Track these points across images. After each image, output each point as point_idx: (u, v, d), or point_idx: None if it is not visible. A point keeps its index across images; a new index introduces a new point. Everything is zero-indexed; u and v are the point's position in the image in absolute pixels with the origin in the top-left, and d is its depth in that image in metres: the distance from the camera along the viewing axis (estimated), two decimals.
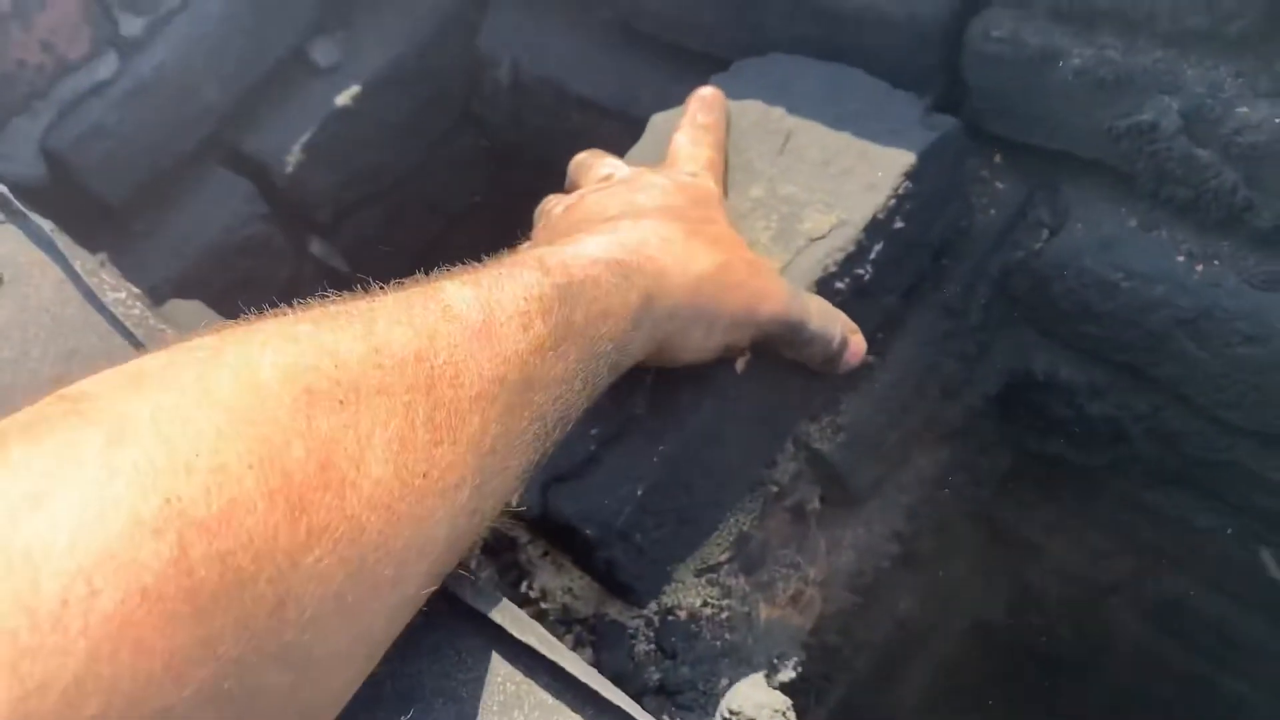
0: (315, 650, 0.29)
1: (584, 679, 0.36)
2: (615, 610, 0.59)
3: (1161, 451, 0.73)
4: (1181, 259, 0.64)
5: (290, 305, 0.36)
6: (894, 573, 0.76)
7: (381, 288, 0.38)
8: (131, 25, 0.89)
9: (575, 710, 0.36)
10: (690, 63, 0.81)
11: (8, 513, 0.24)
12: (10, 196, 0.57)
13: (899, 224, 0.60)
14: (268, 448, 0.28)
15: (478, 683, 0.37)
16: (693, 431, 0.55)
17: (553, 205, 0.60)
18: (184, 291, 0.89)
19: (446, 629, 0.38)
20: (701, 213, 0.54)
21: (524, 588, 0.60)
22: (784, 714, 0.54)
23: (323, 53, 0.98)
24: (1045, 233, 0.70)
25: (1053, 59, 0.63)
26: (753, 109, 0.67)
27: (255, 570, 0.27)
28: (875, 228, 0.59)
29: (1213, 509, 0.75)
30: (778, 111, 0.66)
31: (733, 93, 0.67)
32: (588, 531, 0.53)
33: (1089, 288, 0.67)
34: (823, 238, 0.58)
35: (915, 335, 0.69)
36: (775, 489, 0.64)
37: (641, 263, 0.46)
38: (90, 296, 0.51)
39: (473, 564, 0.58)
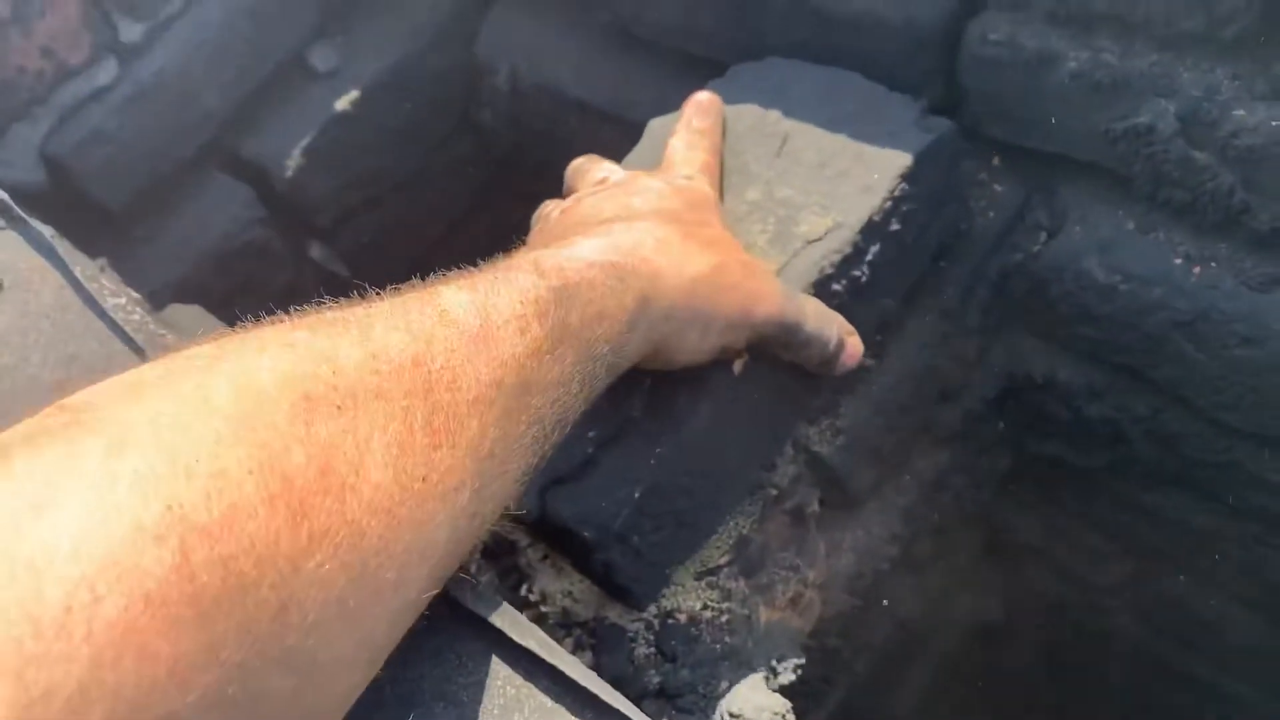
0: (318, 655, 0.29)
1: (584, 682, 0.37)
2: (615, 613, 0.59)
3: (1160, 453, 0.73)
4: (1179, 261, 0.64)
5: (288, 312, 0.36)
6: (893, 575, 0.76)
7: (378, 293, 0.38)
8: (131, 31, 0.89)
9: (575, 714, 0.37)
10: (688, 67, 0.82)
11: (11, 521, 0.24)
12: (10, 203, 0.57)
13: (895, 226, 0.60)
14: (267, 453, 0.28)
15: (478, 686, 0.37)
16: (690, 434, 0.55)
17: (549, 209, 0.60)
18: (184, 296, 0.89)
19: (447, 633, 0.38)
20: (697, 215, 0.54)
21: (524, 591, 0.60)
22: (784, 717, 0.54)
23: (322, 58, 0.98)
24: (1043, 235, 0.71)
25: (1049, 62, 0.63)
26: (749, 112, 0.67)
27: (257, 575, 0.27)
28: (871, 230, 0.59)
29: (1212, 510, 0.75)
30: (774, 115, 0.66)
31: (730, 97, 0.67)
32: (585, 534, 0.53)
33: (1087, 290, 0.67)
34: (819, 240, 0.59)
35: (914, 338, 0.69)
36: (774, 492, 0.64)
37: (637, 265, 0.46)
38: (90, 302, 0.51)
39: (473, 568, 0.58)
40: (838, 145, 0.62)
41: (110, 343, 0.50)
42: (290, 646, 0.28)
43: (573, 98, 0.93)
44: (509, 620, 0.38)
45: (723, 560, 0.61)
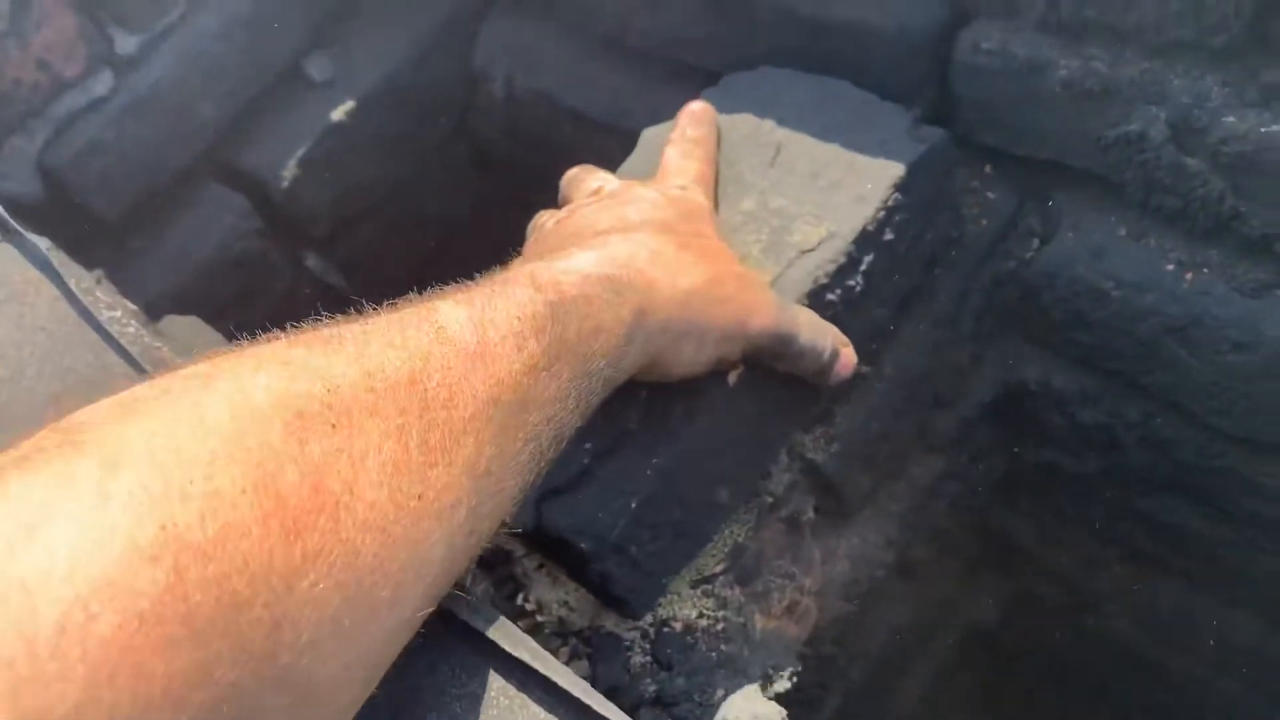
0: (313, 674, 0.29)
1: (576, 693, 0.37)
2: (611, 622, 0.59)
3: (1154, 459, 0.73)
4: (1171, 267, 0.64)
5: (284, 324, 0.36)
6: (889, 581, 0.76)
7: (375, 308, 0.38)
8: (126, 43, 0.89)
9: None
10: (682, 77, 0.82)
11: (5, 542, 0.25)
12: (6, 216, 0.57)
13: (889, 236, 0.60)
14: (261, 472, 0.28)
15: (472, 698, 0.37)
16: (686, 444, 0.56)
17: (544, 220, 0.60)
18: (181, 307, 0.89)
19: (441, 645, 0.38)
20: (691, 226, 0.54)
21: (520, 600, 0.60)
22: None
23: (318, 68, 0.99)
24: (1036, 242, 0.71)
25: (1041, 70, 0.64)
26: (743, 122, 0.67)
27: (251, 594, 0.27)
28: (865, 239, 0.59)
29: (1206, 515, 0.75)
30: (768, 124, 0.66)
31: (723, 106, 0.68)
32: (582, 545, 0.54)
33: (1080, 296, 0.68)
34: (813, 250, 0.59)
35: (908, 345, 0.69)
36: (770, 500, 0.64)
37: (633, 277, 0.46)
38: (86, 315, 0.51)
39: (468, 579, 0.59)
40: (831, 155, 0.63)
41: (105, 355, 0.50)
42: (285, 665, 0.28)
43: (568, 106, 0.93)
44: (502, 631, 0.38)
45: (718, 568, 0.61)
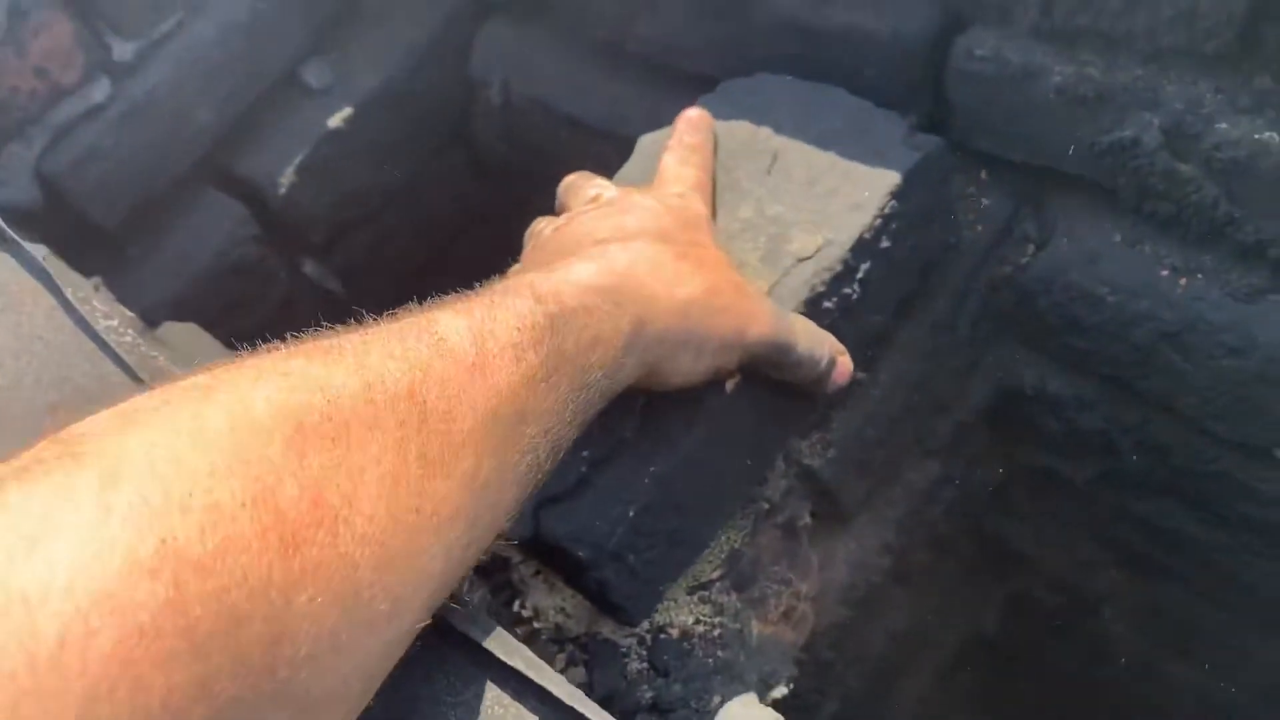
0: (311, 687, 0.29)
1: (570, 701, 0.37)
2: (608, 629, 0.59)
3: (1151, 463, 0.73)
4: (1165, 273, 0.64)
5: (282, 333, 0.36)
6: (886, 586, 0.76)
7: (375, 318, 0.38)
8: (124, 50, 0.90)
9: None
10: (678, 83, 0.82)
11: (5, 555, 0.25)
12: (3, 225, 0.57)
13: (885, 243, 0.61)
14: (260, 486, 0.28)
15: (467, 707, 0.37)
16: (684, 453, 0.56)
17: (542, 227, 0.60)
18: (179, 313, 0.90)
19: (437, 654, 0.38)
20: (689, 235, 0.54)
21: (517, 607, 0.60)
22: None
23: (315, 75, 0.99)
24: (1031, 248, 0.71)
25: (1035, 76, 0.64)
26: (740, 129, 0.67)
27: (250, 608, 0.27)
28: (862, 247, 0.60)
29: (1202, 519, 0.75)
30: (765, 131, 0.66)
31: (720, 113, 0.68)
32: (579, 553, 0.54)
33: (1075, 302, 0.68)
34: (810, 258, 0.59)
35: (904, 351, 0.69)
36: (766, 505, 0.64)
37: (631, 288, 0.46)
38: (83, 324, 0.51)
39: (464, 586, 0.59)
40: (827, 163, 0.63)
41: (102, 365, 0.50)
42: (283, 679, 0.28)
43: (565, 113, 0.93)
44: (497, 640, 0.38)
45: (715, 574, 0.62)
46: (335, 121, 0.98)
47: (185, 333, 0.84)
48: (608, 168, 0.68)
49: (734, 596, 0.63)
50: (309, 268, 1.05)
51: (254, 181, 0.98)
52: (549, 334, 0.40)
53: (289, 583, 0.28)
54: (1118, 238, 0.66)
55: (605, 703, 0.57)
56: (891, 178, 0.60)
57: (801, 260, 0.59)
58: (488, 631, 0.38)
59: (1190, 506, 0.75)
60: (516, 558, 0.61)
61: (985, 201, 0.72)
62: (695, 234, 0.55)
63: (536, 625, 0.60)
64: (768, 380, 0.57)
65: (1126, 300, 0.66)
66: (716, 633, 0.61)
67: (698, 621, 0.61)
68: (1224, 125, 0.58)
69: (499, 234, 0.64)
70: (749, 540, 0.63)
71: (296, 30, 0.98)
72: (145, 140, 0.91)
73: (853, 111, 0.66)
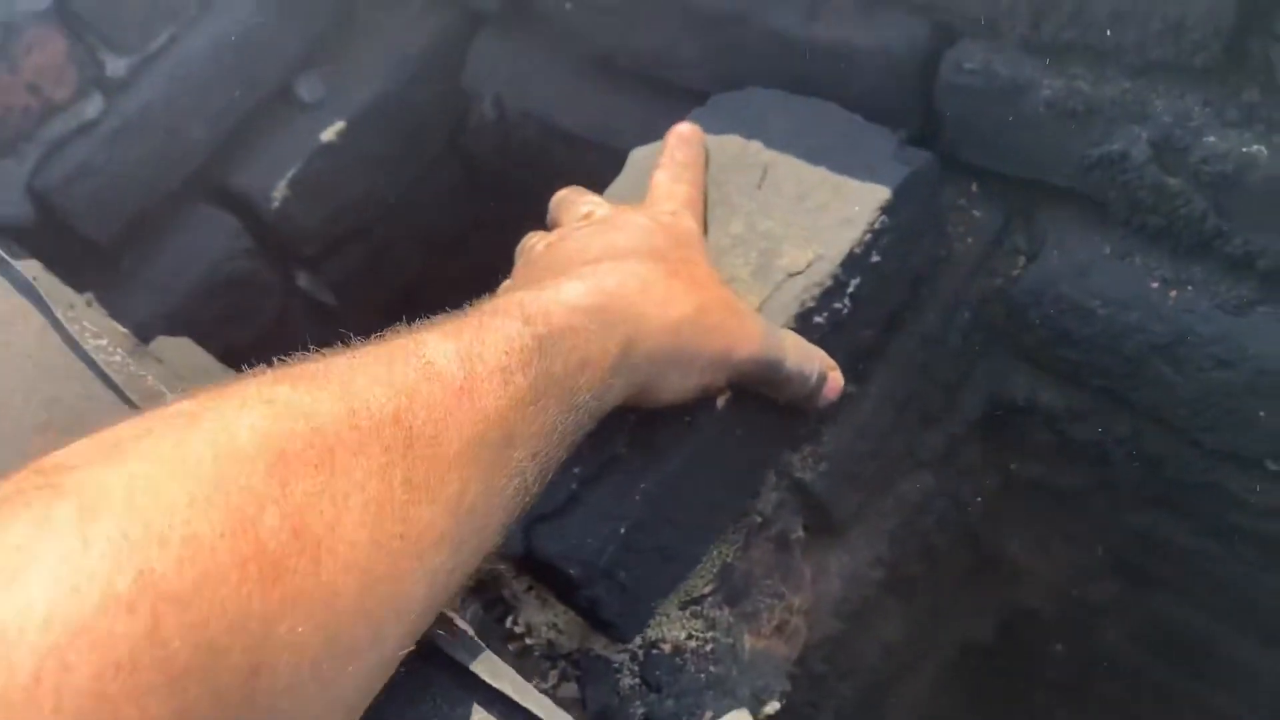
0: (292, 717, 0.29)
1: None
2: (600, 645, 0.59)
3: (1143, 474, 0.73)
4: (1155, 285, 0.65)
5: (275, 345, 0.36)
6: (880, 598, 0.76)
7: (363, 340, 0.38)
8: (117, 66, 0.90)
9: None
10: (669, 96, 0.82)
11: None
12: None
13: (875, 258, 0.61)
14: (241, 516, 0.28)
15: None
16: (675, 469, 0.56)
17: (534, 243, 0.60)
18: (172, 327, 0.90)
19: (423, 677, 0.38)
20: (681, 253, 0.54)
21: (509, 623, 0.60)
22: None
23: (308, 89, 0.99)
24: (1022, 260, 0.71)
25: (1024, 90, 0.64)
26: (731, 143, 0.67)
27: (229, 641, 0.27)
28: (852, 262, 0.60)
29: (1196, 530, 0.75)
30: (755, 146, 0.67)
31: (711, 127, 0.68)
32: (571, 571, 0.54)
33: (1066, 314, 0.68)
34: (800, 273, 0.59)
35: (895, 363, 0.69)
36: (758, 519, 0.64)
37: (622, 308, 0.46)
38: (72, 343, 0.51)
39: (455, 601, 0.59)
40: (818, 177, 0.63)
41: (91, 384, 0.50)
42: (263, 709, 0.28)
43: (557, 126, 0.94)
44: (484, 663, 0.38)
45: (707, 589, 0.61)
46: (328, 135, 0.98)
47: (178, 347, 0.84)
48: (600, 180, 0.68)
49: (726, 611, 0.63)
50: (303, 281, 1.05)
51: (247, 195, 0.98)
52: (537, 356, 0.39)
53: (269, 613, 0.28)
54: (1108, 250, 0.67)
55: (598, 718, 0.57)
56: (881, 193, 0.60)
57: (792, 275, 0.59)
58: (475, 655, 0.38)
59: (1183, 517, 0.75)
60: (509, 574, 0.61)
61: (976, 213, 0.72)
62: (687, 251, 0.55)
63: (529, 641, 0.60)
64: (758, 396, 0.57)
65: (1117, 312, 0.66)
66: (709, 647, 0.61)
67: (690, 636, 0.61)
68: (1212, 138, 0.58)
69: (493, 246, 0.64)
70: (741, 554, 0.63)
71: (289, 44, 0.98)
72: (138, 156, 0.91)
73: (843, 126, 0.66)
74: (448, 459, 0.34)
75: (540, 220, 0.64)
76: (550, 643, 0.60)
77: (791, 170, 0.64)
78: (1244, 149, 0.57)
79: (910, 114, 0.70)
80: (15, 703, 0.23)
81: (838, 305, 0.60)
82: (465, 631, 0.39)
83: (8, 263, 0.56)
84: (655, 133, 0.68)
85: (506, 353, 0.38)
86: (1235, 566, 0.75)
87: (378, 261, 1.10)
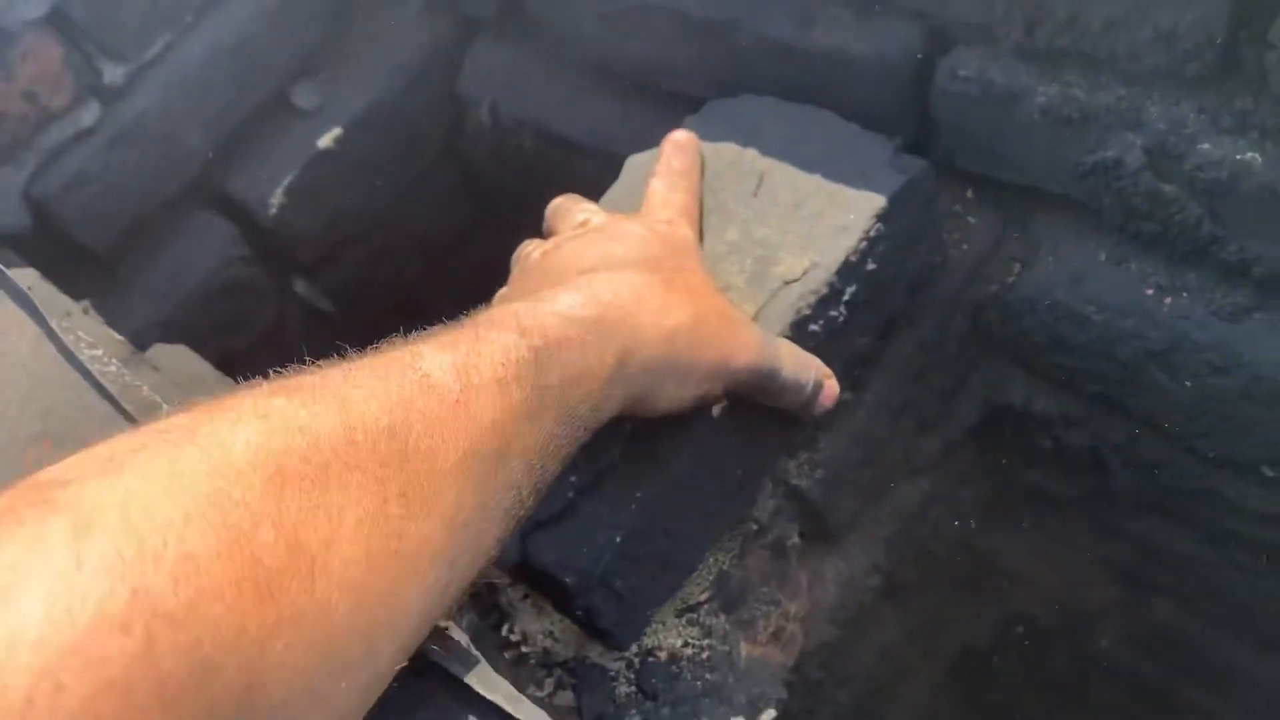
0: None
1: None
2: (596, 653, 0.59)
3: (1139, 480, 0.74)
4: (1151, 291, 0.65)
5: (274, 360, 0.36)
6: (877, 605, 0.76)
7: (360, 350, 0.38)
8: (113, 73, 0.90)
9: None
10: (665, 102, 0.82)
11: None
12: None
13: (871, 266, 0.61)
14: (236, 534, 0.28)
15: None
16: (671, 477, 0.56)
17: (530, 250, 0.60)
18: (169, 335, 0.90)
19: (417, 690, 0.38)
20: (677, 262, 0.54)
21: (505, 631, 0.60)
22: None
23: (304, 96, 0.99)
24: (1018, 266, 0.71)
25: (1019, 97, 0.64)
26: (727, 151, 0.67)
27: (223, 659, 0.27)
28: (848, 270, 0.60)
29: (1192, 536, 0.75)
30: (751, 153, 0.67)
31: (706, 134, 0.68)
32: (567, 580, 0.54)
33: (1061, 321, 0.68)
34: (796, 280, 0.59)
35: (891, 370, 0.70)
36: (754, 526, 0.64)
37: (618, 319, 0.46)
38: (67, 354, 0.51)
39: (452, 611, 0.59)
40: (813, 185, 0.63)
41: (86, 394, 0.50)
42: None
43: (553, 132, 0.94)
44: (478, 675, 0.38)
45: (703, 597, 0.62)
46: (325, 142, 0.98)
47: (175, 354, 0.84)
48: (596, 186, 0.68)
49: (722, 618, 0.63)
50: (300, 287, 1.05)
51: (244, 202, 0.98)
52: (533, 369, 0.39)
53: (263, 631, 0.28)
54: (1103, 256, 0.67)
55: None
56: (877, 201, 0.60)
57: (788, 283, 0.59)
58: (469, 666, 0.38)
59: (1180, 523, 0.75)
60: (504, 581, 0.61)
61: (971, 220, 0.72)
62: (683, 260, 0.55)
63: (524, 649, 0.60)
64: (754, 404, 0.57)
65: (1112, 319, 0.66)
66: (705, 655, 0.61)
67: (686, 644, 0.61)
68: (1206, 146, 0.58)
69: (489, 252, 0.64)
70: (737, 561, 0.63)
71: (286, 52, 0.98)
72: (135, 163, 0.91)
73: (839, 133, 0.66)
74: (443, 473, 0.34)
75: (536, 226, 0.64)
76: (546, 651, 0.60)
77: (787, 177, 0.64)
78: (1238, 156, 0.57)
79: (905, 121, 0.70)
80: None
81: (833, 313, 0.60)
82: (459, 642, 0.39)
83: (3, 273, 0.56)
84: (651, 139, 0.68)
85: (503, 365, 0.38)
86: (1231, 572, 0.75)
87: (375, 268, 1.10)
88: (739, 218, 0.64)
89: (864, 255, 0.60)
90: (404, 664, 0.34)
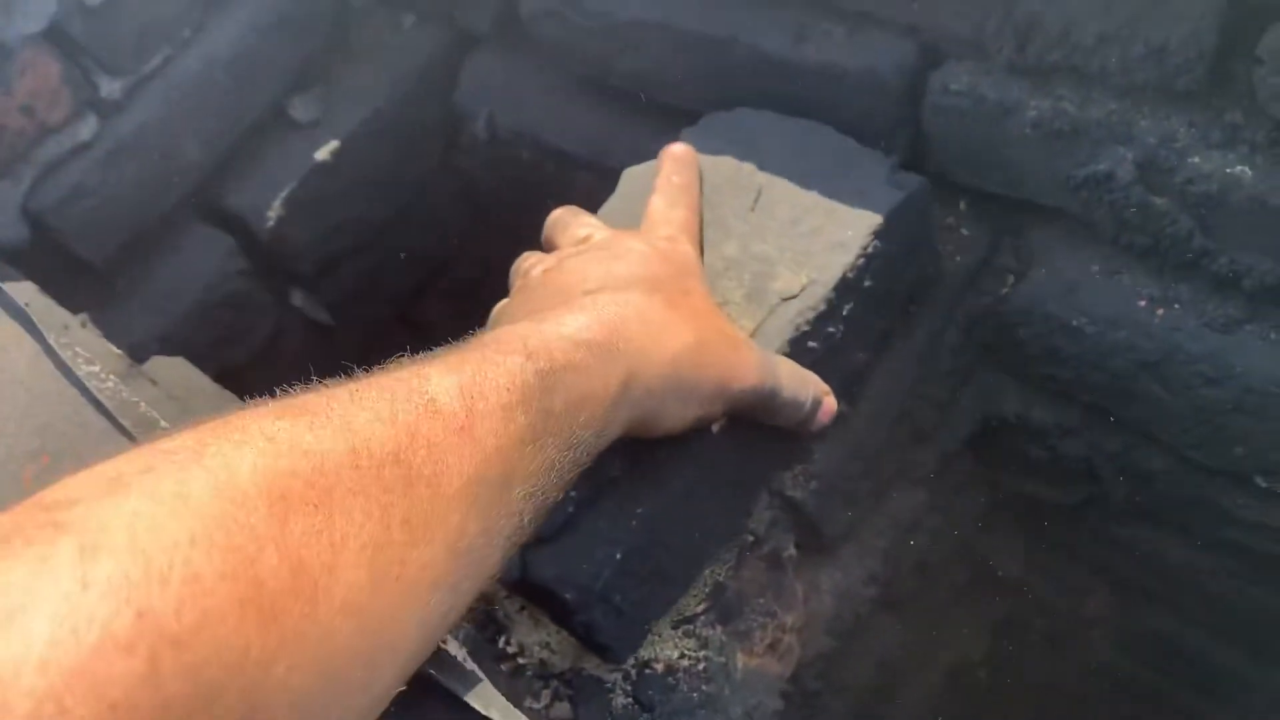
0: None
1: None
2: (593, 665, 0.59)
3: (1134, 489, 0.74)
4: (1143, 303, 0.65)
5: (273, 371, 0.36)
6: (873, 615, 0.76)
7: (363, 369, 0.38)
8: (111, 87, 0.90)
9: None
10: (661, 115, 0.83)
11: None
12: None
13: (868, 282, 0.61)
14: (240, 557, 0.28)
15: None
16: (671, 493, 0.56)
17: (530, 265, 0.59)
18: (167, 348, 0.90)
19: (414, 705, 0.38)
20: (680, 282, 0.54)
21: (501, 643, 0.60)
22: None
23: (302, 109, 1.00)
24: (1011, 278, 0.72)
25: (1010, 111, 0.65)
26: (725, 165, 0.68)
27: (226, 682, 0.27)
28: (845, 286, 0.60)
29: (1187, 545, 0.76)
30: (749, 167, 0.67)
31: (703, 147, 0.68)
32: (566, 595, 0.54)
33: (1055, 332, 0.68)
34: (794, 297, 0.59)
35: (886, 382, 0.70)
36: (750, 538, 0.64)
37: (622, 342, 0.46)
38: (65, 370, 0.51)
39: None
40: (810, 201, 0.63)
41: (84, 410, 0.50)
42: None
43: (550, 145, 0.94)
44: (475, 691, 0.38)
45: (700, 608, 0.62)
46: (323, 154, 0.99)
47: (173, 367, 0.84)
48: (593, 198, 0.68)
49: (719, 630, 0.63)
50: (298, 300, 1.05)
51: (242, 215, 0.98)
52: (539, 393, 0.39)
53: (266, 655, 0.28)
54: (1095, 269, 0.67)
55: None
56: (874, 218, 0.60)
57: (786, 299, 0.60)
58: (465, 681, 0.39)
59: (1174, 532, 0.75)
60: (501, 593, 0.61)
61: (965, 232, 0.72)
62: (685, 280, 0.55)
63: (521, 661, 0.60)
64: (753, 420, 0.57)
65: (1105, 330, 0.66)
66: (701, 666, 0.61)
67: (682, 656, 0.61)
68: (1196, 159, 0.59)
69: (487, 264, 0.65)
70: (733, 573, 0.63)
71: (283, 65, 0.98)
72: (133, 177, 0.91)
73: (835, 148, 0.66)
74: (447, 498, 0.34)
75: (534, 238, 0.64)
76: (543, 662, 0.60)
77: (785, 193, 0.64)
78: (1228, 169, 0.58)
79: (898, 134, 0.70)
80: None
81: (831, 329, 0.60)
82: (455, 656, 0.40)
83: (0, 289, 0.56)
84: (647, 151, 0.68)
85: (508, 389, 0.38)
86: (1226, 581, 0.75)
87: (373, 280, 1.10)
88: (737, 232, 0.64)
89: (861, 271, 0.60)
90: (402, 688, 0.34)
